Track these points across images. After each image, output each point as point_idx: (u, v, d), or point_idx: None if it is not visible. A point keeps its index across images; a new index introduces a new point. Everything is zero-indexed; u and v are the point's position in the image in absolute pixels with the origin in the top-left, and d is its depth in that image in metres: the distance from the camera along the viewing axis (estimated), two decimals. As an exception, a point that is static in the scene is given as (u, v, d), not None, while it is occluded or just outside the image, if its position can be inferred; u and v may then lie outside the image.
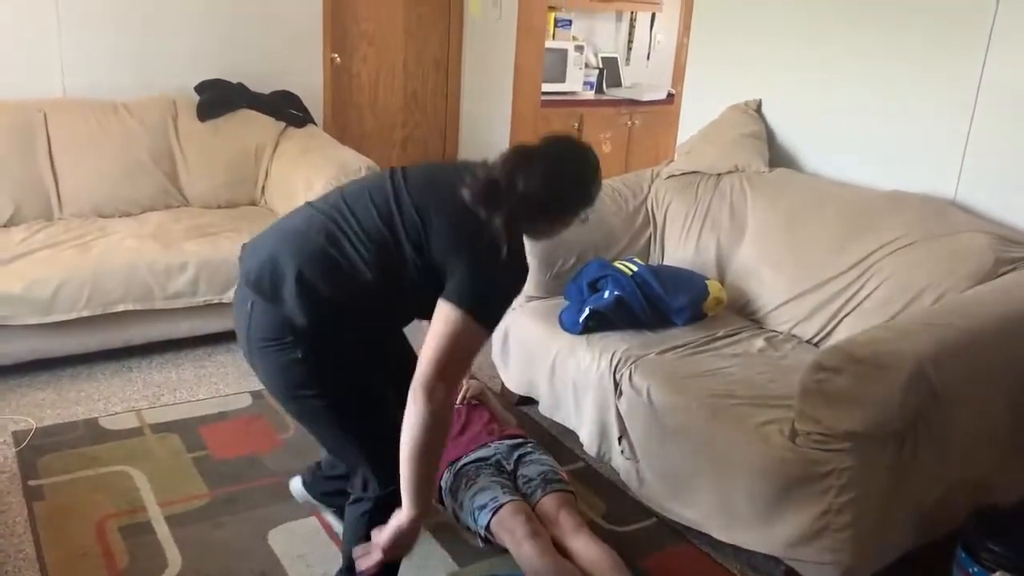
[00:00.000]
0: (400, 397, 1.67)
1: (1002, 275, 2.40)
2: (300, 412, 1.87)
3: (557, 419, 2.80)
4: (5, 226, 3.42)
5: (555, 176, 1.71)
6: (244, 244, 1.91)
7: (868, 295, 2.60)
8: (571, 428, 2.74)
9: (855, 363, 1.95)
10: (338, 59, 4.67)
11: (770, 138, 3.23)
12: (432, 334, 1.64)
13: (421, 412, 1.58)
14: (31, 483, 2.51)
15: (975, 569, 1.95)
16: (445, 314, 1.63)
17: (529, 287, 2.96)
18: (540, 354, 2.80)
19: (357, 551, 1.71)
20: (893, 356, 1.91)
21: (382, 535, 1.68)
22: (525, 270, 1.76)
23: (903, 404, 1.89)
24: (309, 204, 1.88)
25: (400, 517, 1.64)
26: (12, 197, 3.45)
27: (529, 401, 2.99)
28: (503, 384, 3.08)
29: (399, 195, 1.77)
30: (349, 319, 1.74)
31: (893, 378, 1.88)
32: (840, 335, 2.61)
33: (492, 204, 1.66)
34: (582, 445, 2.68)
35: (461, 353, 1.64)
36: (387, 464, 1.74)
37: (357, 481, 1.89)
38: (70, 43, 3.79)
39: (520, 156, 1.72)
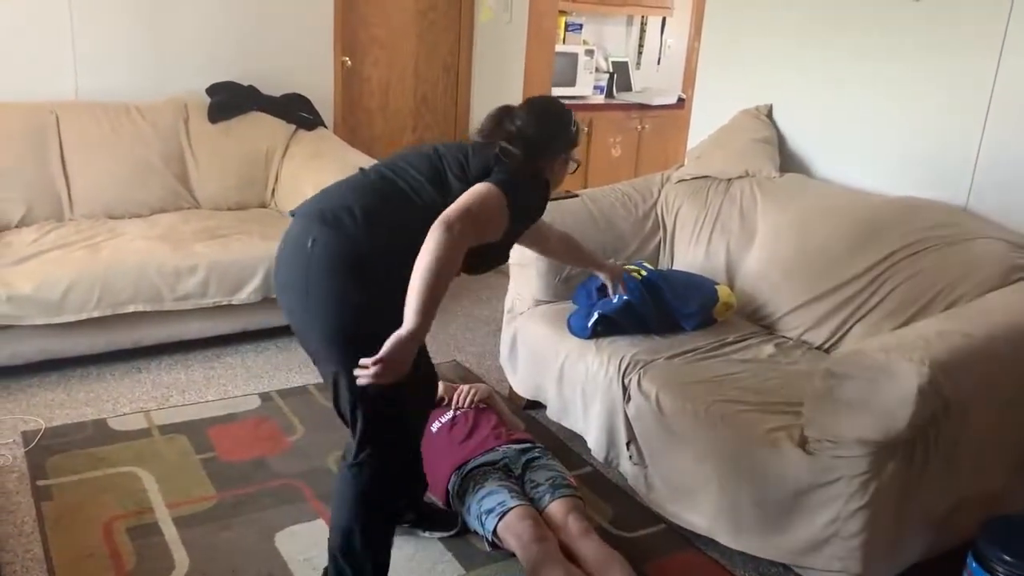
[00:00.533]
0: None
1: (1015, 282, 2.39)
2: (332, 358, 1.86)
3: (565, 424, 2.79)
4: (17, 227, 3.43)
5: (540, 114, 2.02)
6: (294, 210, 1.97)
7: (879, 302, 2.58)
8: (579, 433, 2.73)
9: (866, 370, 1.94)
10: (349, 62, 4.68)
11: (781, 143, 3.22)
12: (467, 193, 1.83)
13: (438, 237, 1.71)
14: (40, 483, 2.52)
15: (986, 579, 1.93)
16: (482, 185, 1.86)
17: (538, 291, 2.96)
18: (548, 358, 2.79)
19: (358, 369, 1.68)
20: (905, 364, 1.89)
21: (383, 348, 1.67)
22: (546, 197, 2.02)
23: (915, 413, 1.87)
24: (359, 169, 2.04)
25: (400, 331, 1.68)
26: (24, 198, 3.47)
27: (537, 405, 2.98)
28: (511, 388, 3.07)
29: (436, 149, 2.02)
30: (411, 249, 1.75)
31: (905, 386, 1.87)
32: (850, 342, 2.60)
33: (498, 134, 1.97)
34: (590, 450, 2.67)
35: (484, 213, 1.81)
36: (376, 440, 1.88)
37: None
38: (83, 45, 3.81)
39: (506, 107, 2.04)
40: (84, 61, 3.82)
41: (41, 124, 3.55)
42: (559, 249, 2.47)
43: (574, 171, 2.12)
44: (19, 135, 3.49)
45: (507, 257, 2.08)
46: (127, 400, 3.05)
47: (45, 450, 2.69)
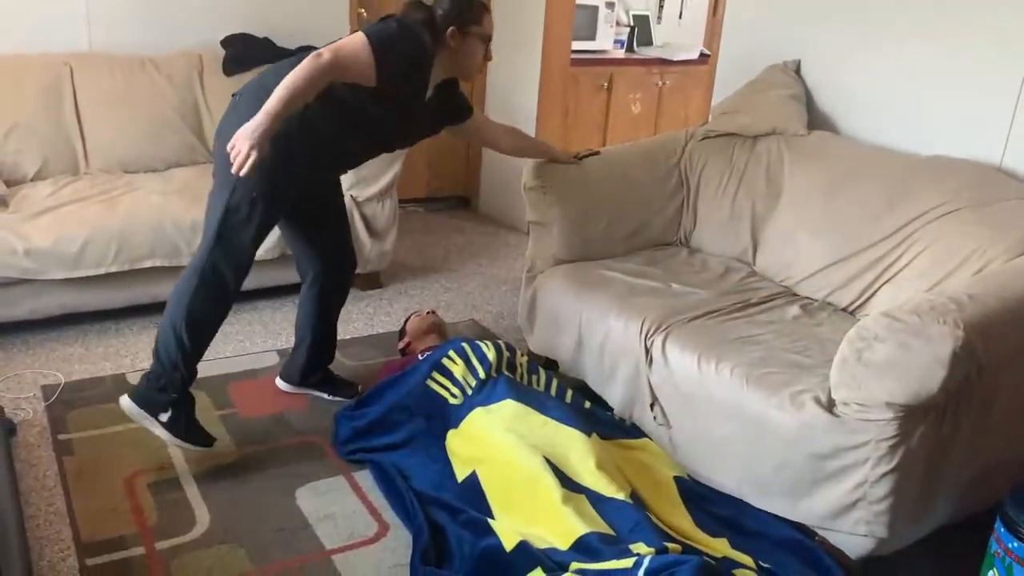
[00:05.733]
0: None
1: (1050, 245, 2.33)
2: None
3: (589, 384, 2.76)
4: (32, 180, 3.41)
5: None
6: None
7: (908, 263, 2.53)
8: (600, 394, 2.71)
9: (898, 333, 1.89)
10: (365, 14, 4.59)
11: (809, 100, 3.14)
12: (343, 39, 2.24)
13: (306, 62, 2.11)
14: (61, 437, 2.53)
15: (1014, 544, 1.90)
16: (355, 34, 2.25)
17: (559, 250, 2.92)
18: (567, 319, 2.76)
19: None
20: (939, 327, 1.85)
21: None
22: (419, 51, 2.31)
23: (948, 376, 1.83)
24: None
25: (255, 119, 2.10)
26: (39, 151, 3.43)
27: (555, 365, 2.96)
28: (528, 348, 3.05)
29: None
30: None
31: (938, 349, 1.83)
32: (877, 304, 2.55)
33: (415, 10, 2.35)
34: (612, 411, 2.65)
35: (347, 48, 2.19)
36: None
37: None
38: (96, -5, 3.74)
39: None
40: (97, 12, 3.75)
41: (55, 76, 3.50)
42: (509, 143, 2.86)
43: (486, 59, 2.49)
44: (34, 87, 3.45)
45: (426, 132, 2.60)
46: (145, 355, 3.05)
47: (65, 404, 2.69)
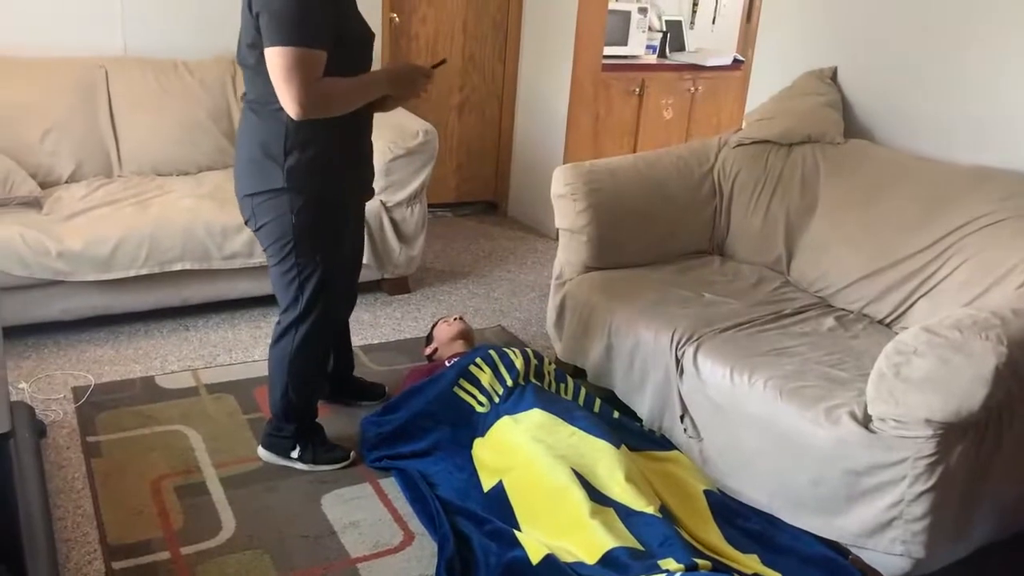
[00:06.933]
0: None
1: (1096, 258, 2.26)
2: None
3: (619, 395, 2.73)
4: (67, 182, 3.44)
5: None
6: None
7: (947, 276, 2.47)
8: (628, 404, 2.67)
9: (939, 348, 1.85)
10: (397, 19, 4.59)
11: (845, 107, 3.08)
12: (270, 72, 2.04)
13: (308, 112, 2.05)
14: (90, 439, 2.54)
15: (1058, 568, 1.85)
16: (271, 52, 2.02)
17: (588, 257, 2.89)
18: (596, 327, 2.73)
19: None
20: (981, 342, 1.80)
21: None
22: None
23: (990, 394, 1.78)
24: None
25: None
26: (74, 153, 3.47)
27: (583, 373, 2.92)
28: (556, 355, 3.02)
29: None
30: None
31: (981, 366, 1.78)
32: (915, 317, 2.50)
33: None
34: (641, 421, 2.61)
35: (292, 65, 2.00)
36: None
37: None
38: (131, 1, 3.77)
39: None
40: (133, 16, 3.78)
41: (90, 79, 3.54)
42: None
43: None
44: (69, 90, 3.48)
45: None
46: (175, 358, 3.06)
47: (95, 406, 2.71)
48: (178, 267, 3.14)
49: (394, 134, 3.47)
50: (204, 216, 3.18)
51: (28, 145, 3.36)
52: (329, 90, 2.07)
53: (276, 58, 1.99)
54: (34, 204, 3.15)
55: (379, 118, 3.68)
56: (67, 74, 3.50)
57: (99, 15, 3.73)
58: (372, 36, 2.30)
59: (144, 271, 3.08)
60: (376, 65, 2.38)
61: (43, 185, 3.33)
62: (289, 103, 2.01)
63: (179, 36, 3.87)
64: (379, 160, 3.37)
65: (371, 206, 3.37)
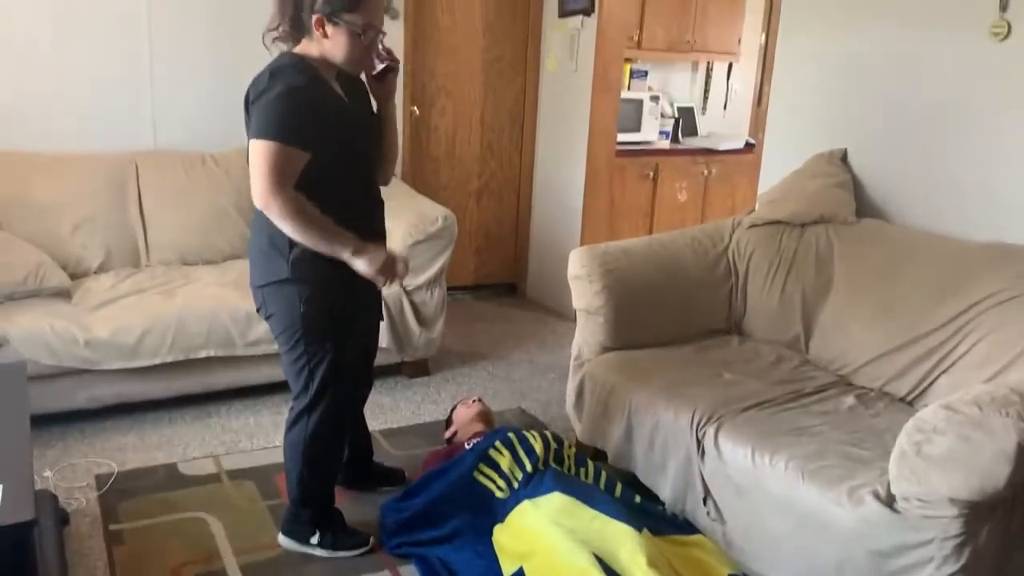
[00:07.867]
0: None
1: (1115, 333, 2.26)
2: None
3: (639, 477, 2.71)
4: (95, 273, 3.53)
5: None
6: None
7: (966, 352, 2.47)
8: (650, 486, 2.65)
9: (959, 426, 1.84)
10: (417, 112, 4.74)
11: (856, 188, 3.13)
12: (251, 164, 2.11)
13: (275, 219, 2.13)
14: (112, 527, 2.54)
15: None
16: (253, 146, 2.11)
17: (605, 338, 2.91)
18: (615, 408, 2.73)
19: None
20: (1001, 419, 1.79)
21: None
22: (296, 95, 2.10)
23: (1014, 472, 1.76)
24: None
25: (355, 265, 2.19)
26: (104, 244, 3.57)
27: (603, 455, 2.91)
28: (577, 437, 3.01)
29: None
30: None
31: (1003, 443, 1.77)
32: (935, 394, 2.48)
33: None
34: (663, 504, 2.59)
35: (270, 165, 2.08)
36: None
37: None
38: (162, 98, 3.94)
39: None
40: (162, 112, 3.95)
41: (122, 173, 3.67)
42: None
43: (366, 42, 2.15)
44: (101, 184, 3.61)
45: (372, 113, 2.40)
46: (197, 445, 3.08)
47: (118, 494, 2.72)
48: (203, 354, 3.19)
49: (414, 219, 3.55)
50: (228, 303, 3.25)
51: (59, 237, 3.47)
52: (299, 207, 2.10)
53: (253, 149, 2.10)
54: (64, 295, 3.23)
55: (400, 205, 3.79)
56: (99, 169, 3.64)
57: (131, 112, 3.89)
58: (370, 119, 2.39)
59: (169, 358, 3.13)
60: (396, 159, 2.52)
61: (73, 276, 3.42)
62: (255, 192, 2.09)
63: (206, 130, 4.02)
64: (399, 244, 3.45)
65: (391, 290, 3.42)
